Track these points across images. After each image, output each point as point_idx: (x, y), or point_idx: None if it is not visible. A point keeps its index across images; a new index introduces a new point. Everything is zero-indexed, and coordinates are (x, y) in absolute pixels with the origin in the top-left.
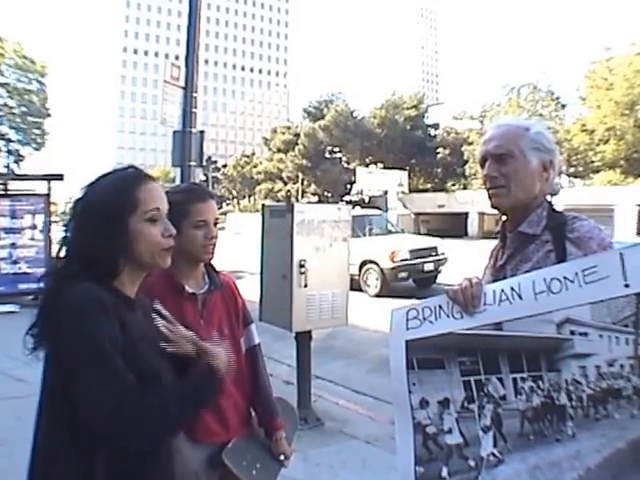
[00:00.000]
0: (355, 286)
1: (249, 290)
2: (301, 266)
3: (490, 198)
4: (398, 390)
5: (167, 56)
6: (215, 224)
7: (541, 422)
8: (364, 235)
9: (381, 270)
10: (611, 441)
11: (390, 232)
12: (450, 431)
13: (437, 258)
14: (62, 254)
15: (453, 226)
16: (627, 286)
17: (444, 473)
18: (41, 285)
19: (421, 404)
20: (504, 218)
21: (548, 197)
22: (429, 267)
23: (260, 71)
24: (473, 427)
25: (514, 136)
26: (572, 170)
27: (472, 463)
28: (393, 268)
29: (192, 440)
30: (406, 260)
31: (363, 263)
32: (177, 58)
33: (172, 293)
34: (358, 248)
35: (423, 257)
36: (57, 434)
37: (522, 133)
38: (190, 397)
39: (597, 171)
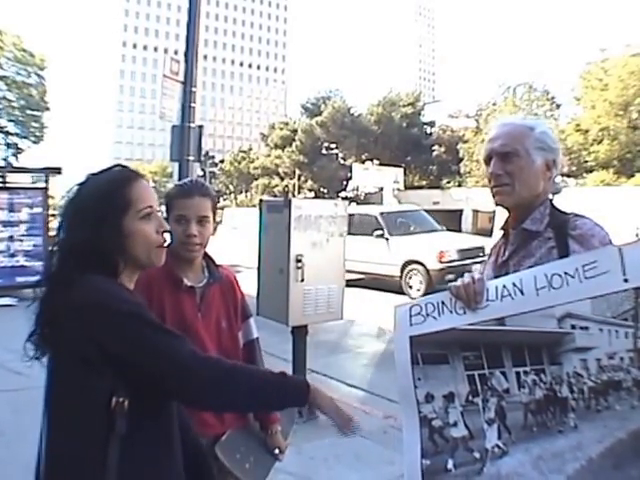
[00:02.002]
0: (396, 288)
1: (246, 284)
2: (298, 261)
3: (494, 196)
4: (404, 385)
5: (166, 51)
6: (200, 222)
7: (544, 414)
8: (404, 233)
9: (427, 271)
10: (612, 432)
11: (433, 230)
12: (455, 424)
13: (485, 259)
14: (57, 255)
15: (447, 223)
16: (626, 281)
17: (450, 465)
18: (39, 281)
19: (427, 398)
20: (507, 215)
21: (550, 195)
22: (477, 268)
23: (258, 67)
24: (478, 420)
25: (519, 135)
26: (565, 169)
27: (477, 455)
28: (441, 269)
29: None
30: (455, 261)
31: (406, 263)
32: (176, 53)
33: (170, 286)
34: (399, 247)
35: (471, 257)
36: (67, 424)
37: (527, 132)
38: (273, 389)
39: (590, 171)
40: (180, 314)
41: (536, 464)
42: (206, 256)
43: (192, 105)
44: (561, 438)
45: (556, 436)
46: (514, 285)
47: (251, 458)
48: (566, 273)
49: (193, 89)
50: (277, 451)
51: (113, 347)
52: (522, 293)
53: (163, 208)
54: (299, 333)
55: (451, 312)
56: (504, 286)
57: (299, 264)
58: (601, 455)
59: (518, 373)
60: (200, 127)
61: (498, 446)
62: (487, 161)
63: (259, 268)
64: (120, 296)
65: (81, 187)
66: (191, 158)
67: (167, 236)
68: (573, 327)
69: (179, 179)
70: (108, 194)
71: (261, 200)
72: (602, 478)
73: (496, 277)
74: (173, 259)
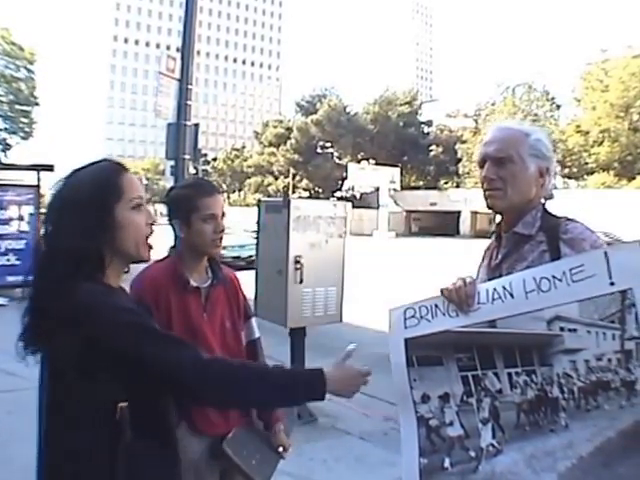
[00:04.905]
0: None
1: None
2: (297, 262)
3: (486, 199)
4: (400, 386)
5: (158, 46)
6: (222, 217)
7: (536, 414)
8: None
9: None
10: (602, 431)
11: None
12: (451, 424)
13: None
14: (45, 250)
15: (445, 224)
16: (612, 284)
17: (446, 464)
18: (28, 280)
19: (423, 399)
20: (499, 218)
21: (542, 200)
22: None
23: (252, 64)
24: (473, 419)
25: (515, 141)
26: (566, 171)
27: (473, 454)
28: None
29: (192, 430)
30: None
31: None
32: (168, 48)
33: (176, 287)
34: None
35: None
36: (68, 434)
37: (522, 138)
38: (283, 388)
39: (591, 172)
40: (186, 315)
41: (529, 462)
42: (209, 257)
43: (188, 103)
44: (553, 437)
45: (548, 435)
46: (504, 288)
47: (257, 455)
48: (554, 277)
49: (189, 87)
50: (281, 449)
51: (111, 353)
52: (512, 296)
53: (160, 206)
54: (297, 335)
55: (444, 315)
56: (494, 289)
57: (298, 265)
58: (591, 453)
59: (510, 374)
60: (196, 125)
61: (493, 445)
62: (481, 164)
63: (257, 269)
64: (115, 303)
65: (68, 179)
66: (187, 156)
67: (154, 228)
68: (562, 329)
69: (174, 177)
70: (100, 182)
71: (259, 200)
72: (592, 476)
73: (489, 280)
74: (178, 259)
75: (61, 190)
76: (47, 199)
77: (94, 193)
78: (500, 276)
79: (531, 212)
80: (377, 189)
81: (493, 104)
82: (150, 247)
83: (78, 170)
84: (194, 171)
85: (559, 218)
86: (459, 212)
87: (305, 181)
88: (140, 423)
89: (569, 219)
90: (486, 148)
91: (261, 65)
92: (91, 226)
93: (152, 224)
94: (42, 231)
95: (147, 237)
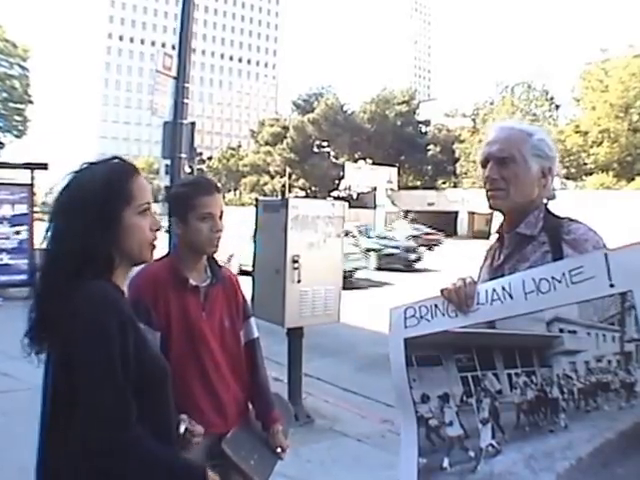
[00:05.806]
0: None
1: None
2: (294, 262)
3: (489, 199)
4: (400, 386)
5: (153, 43)
6: (221, 217)
7: (535, 414)
8: None
9: None
10: (601, 432)
11: None
12: (451, 424)
13: None
14: (49, 248)
15: (442, 225)
16: (612, 286)
17: (445, 464)
18: (26, 278)
19: (422, 399)
20: (501, 219)
21: (544, 200)
22: None
23: (249, 61)
24: (472, 420)
25: (517, 141)
26: (565, 172)
27: (472, 454)
28: None
29: None
30: None
31: None
32: (164, 45)
33: (175, 285)
34: None
35: None
36: (64, 434)
37: (525, 138)
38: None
39: (590, 173)
40: (185, 313)
41: (528, 463)
42: (208, 256)
43: (184, 101)
44: (552, 438)
45: (547, 435)
46: (503, 289)
47: (255, 456)
48: (553, 278)
49: (186, 85)
50: (279, 450)
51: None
52: (511, 297)
53: (155, 206)
54: (295, 335)
55: (443, 315)
56: (494, 290)
57: (295, 265)
58: (590, 454)
59: (510, 375)
60: (192, 124)
61: (492, 445)
62: (484, 164)
63: (254, 268)
64: (103, 322)
65: (78, 175)
66: (183, 155)
67: (159, 234)
68: (561, 331)
69: (170, 177)
70: (112, 184)
71: (257, 199)
72: (591, 477)
73: (491, 280)
74: (177, 258)
75: (70, 187)
76: (40, 197)
77: (103, 197)
78: (502, 276)
79: (533, 212)
80: (374, 189)
81: (492, 103)
82: (154, 247)
83: (89, 167)
84: (189, 170)
85: (562, 219)
86: (456, 212)
87: (301, 180)
88: (139, 423)
89: (572, 220)
90: (489, 148)
91: (257, 63)
92: (97, 228)
93: (157, 230)
94: (47, 228)
95: (151, 241)
